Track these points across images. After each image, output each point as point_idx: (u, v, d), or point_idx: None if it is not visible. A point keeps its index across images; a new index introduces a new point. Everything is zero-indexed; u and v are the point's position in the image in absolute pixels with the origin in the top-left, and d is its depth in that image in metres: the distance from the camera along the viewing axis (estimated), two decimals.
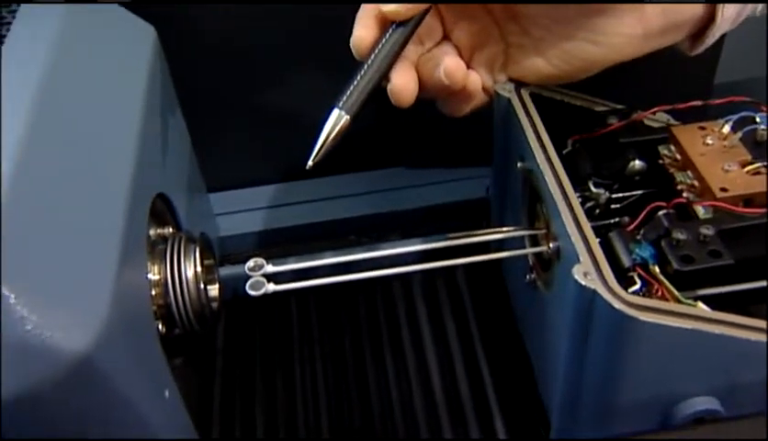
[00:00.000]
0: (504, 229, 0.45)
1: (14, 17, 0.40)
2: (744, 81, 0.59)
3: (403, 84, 0.39)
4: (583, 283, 0.33)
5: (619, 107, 0.45)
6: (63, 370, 0.28)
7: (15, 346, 0.28)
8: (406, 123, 0.60)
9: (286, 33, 0.56)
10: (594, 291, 0.33)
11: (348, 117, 0.37)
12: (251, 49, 0.56)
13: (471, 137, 0.50)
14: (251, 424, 0.50)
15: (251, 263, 0.40)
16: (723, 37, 0.55)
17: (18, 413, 0.29)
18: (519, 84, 0.44)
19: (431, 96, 0.42)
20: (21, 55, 0.37)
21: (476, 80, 0.42)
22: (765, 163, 0.39)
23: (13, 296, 0.27)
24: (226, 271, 0.53)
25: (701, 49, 0.42)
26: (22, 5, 0.41)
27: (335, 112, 0.38)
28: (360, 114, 0.38)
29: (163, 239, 0.41)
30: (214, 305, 0.42)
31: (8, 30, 0.39)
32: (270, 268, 0.40)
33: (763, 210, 0.38)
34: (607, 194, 0.42)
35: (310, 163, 0.38)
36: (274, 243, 0.60)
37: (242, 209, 0.62)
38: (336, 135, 0.37)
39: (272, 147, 0.62)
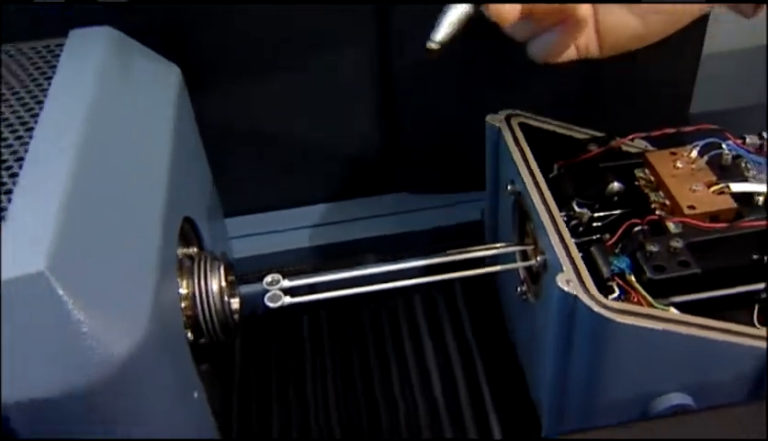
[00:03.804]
0: (498, 245, 0.49)
1: (57, 60, 0.45)
2: (716, 112, 0.64)
3: None
4: (566, 289, 0.38)
5: (599, 134, 0.49)
6: (113, 367, 0.33)
7: (71, 345, 0.32)
8: (408, 151, 0.65)
9: (295, 66, 0.59)
10: (576, 297, 0.38)
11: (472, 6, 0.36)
12: (257, 81, 0.59)
13: (468, 164, 0.54)
14: (267, 432, 0.54)
15: (269, 278, 0.45)
16: (696, 71, 0.60)
17: (70, 406, 0.33)
18: (509, 115, 0.48)
19: (534, 26, 0.40)
20: (69, 96, 0.41)
21: (587, 6, 0.40)
22: (728, 184, 0.44)
23: (71, 301, 0.32)
24: (243, 289, 0.57)
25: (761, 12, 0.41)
26: (64, 52, 0.46)
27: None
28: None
29: (189, 258, 0.45)
30: (236, 317, 0.46)
31: (54, 72, 0.44)
32: (286, 283, 0.45)
33: (727, 225, 0.42)
34: (589, 213, 0.46)
35: (434, 43, 0.36)
36: (284, 265, 0.64)
37: (254, 233, 0.65)
38: (462, 17, 0.36)
39: (282, 176, 0.66)
